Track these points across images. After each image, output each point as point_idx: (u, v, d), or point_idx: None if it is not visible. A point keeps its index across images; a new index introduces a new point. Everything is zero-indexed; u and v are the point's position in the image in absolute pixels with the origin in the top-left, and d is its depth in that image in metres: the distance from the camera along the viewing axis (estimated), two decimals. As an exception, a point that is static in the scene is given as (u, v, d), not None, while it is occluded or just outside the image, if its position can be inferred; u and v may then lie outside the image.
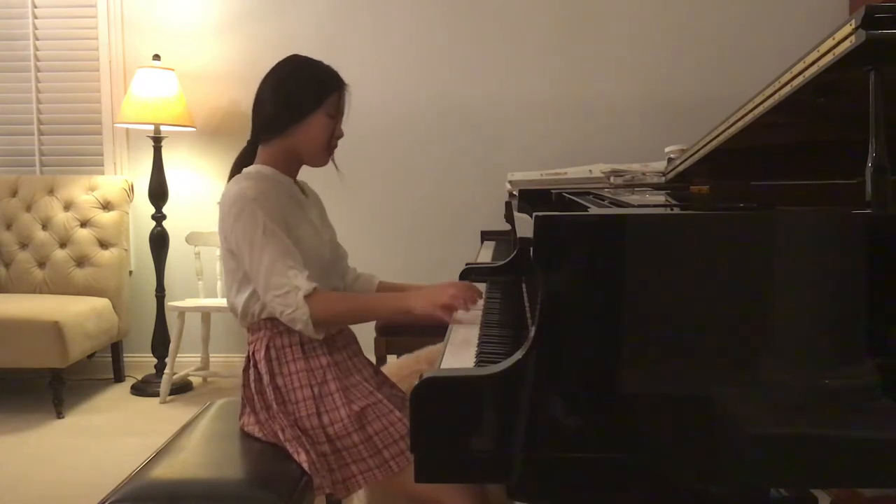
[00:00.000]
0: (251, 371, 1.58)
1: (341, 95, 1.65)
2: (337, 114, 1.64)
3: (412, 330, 2.58)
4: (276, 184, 1.60)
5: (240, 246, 1.50)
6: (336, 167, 1.72)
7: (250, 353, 1.59)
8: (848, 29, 0.93)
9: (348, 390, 1.53)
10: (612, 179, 2.41)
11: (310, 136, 1.62)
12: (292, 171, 1.68)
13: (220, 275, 3.49)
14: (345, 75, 1.67)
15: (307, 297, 1.46)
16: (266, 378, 1.54)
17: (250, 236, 1.49)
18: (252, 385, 1.57)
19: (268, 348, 1.56)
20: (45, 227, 3.59)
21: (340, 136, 1.67)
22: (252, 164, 1.65)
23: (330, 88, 1.62)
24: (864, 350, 1.01)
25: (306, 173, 1.71)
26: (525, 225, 1.50)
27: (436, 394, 1.04)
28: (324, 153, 1.66)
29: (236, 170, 1.66)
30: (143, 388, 3.51)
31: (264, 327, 1.57)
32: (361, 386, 1.55)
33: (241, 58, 3.69)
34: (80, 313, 3.23)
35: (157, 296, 3.64)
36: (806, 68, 1.02)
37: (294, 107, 1.60)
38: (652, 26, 3.56)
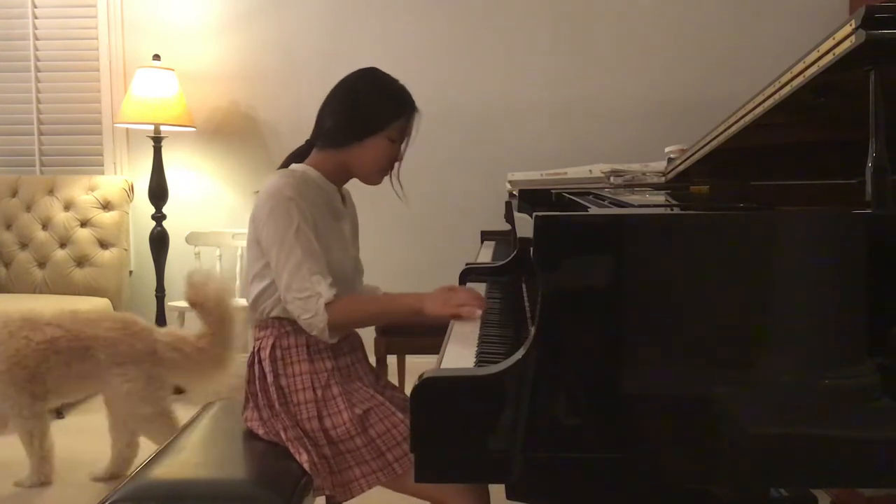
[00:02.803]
0: (255, 368, 1.58)
1: (409, 120, 1.62)
2: (400, 138, 1.61)
3: (413, 330, 2.58)
4: (317, 189, 1.58)
5: (269, 241, 1.50)
6: (398, 191, 1.67)
7: (256, 349, 1.59)
8: (848, 29, 0.93)
9: (351, 394, 1.53)
10: (612, 179, 2.41)
11: (366, 157, 1.59)
12: (339, 181, 1.65)
13: (220, 275, 3.49)
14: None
15: (327, 304, 1.46)
16: (270, 377, 1.54)
17: (282, 233, 1.48)
18: (256, 382, 1.57)
19: (273, 347, 1.56)
20: (45, 227, 3.58)
21: (400, 159, 1.64)
22: (303, 161, 1.63)
23: (397, 114, 1.59)
24: (864, 350, 1.01)
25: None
26: (525, 225, 1.50)
27: (436, 393, 1.04)
28: (377, 175, 1.63)
29: (286, 164, 1.65)
30: (144, 388, 3.50)
31: (272, 325, 1.57)
32: (363, 390, 1.55)
33: (241, 58, 3.68)
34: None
35: (157, 296, 3.64)
36: (806, 68, 1.02)
37: (356, 128, 1.57)
38: (652, 26, 3.56)
